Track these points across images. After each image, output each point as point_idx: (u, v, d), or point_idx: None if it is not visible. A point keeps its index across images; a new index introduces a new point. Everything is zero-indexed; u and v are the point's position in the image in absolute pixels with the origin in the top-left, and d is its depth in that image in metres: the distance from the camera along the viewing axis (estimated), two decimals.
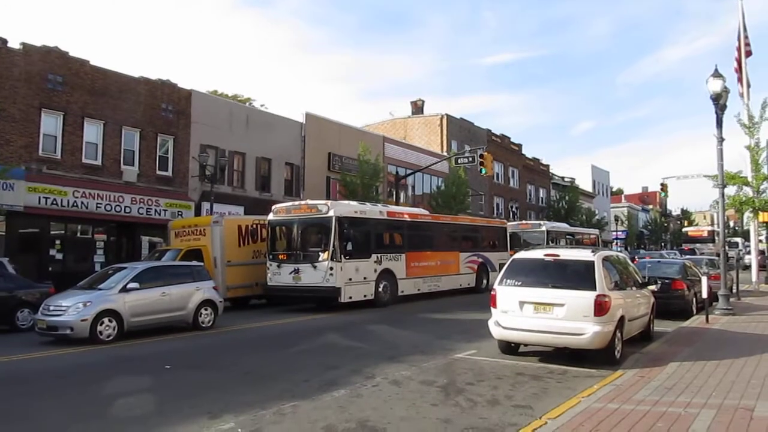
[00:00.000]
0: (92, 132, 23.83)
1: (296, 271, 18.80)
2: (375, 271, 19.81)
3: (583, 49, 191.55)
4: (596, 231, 43.75)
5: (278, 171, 31.93)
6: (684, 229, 71.12)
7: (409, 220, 22.60)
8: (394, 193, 34.87)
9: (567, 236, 36.29)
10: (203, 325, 14.95)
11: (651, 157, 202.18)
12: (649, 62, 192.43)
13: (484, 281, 25.77)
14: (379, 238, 20.76)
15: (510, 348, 10.91)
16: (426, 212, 25.69)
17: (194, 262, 16.92)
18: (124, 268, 14.80)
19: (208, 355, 11.94)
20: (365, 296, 19.35)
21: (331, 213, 18.72)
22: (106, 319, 12.98)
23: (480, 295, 23.60)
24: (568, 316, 9.67)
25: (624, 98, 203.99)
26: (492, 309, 10.58)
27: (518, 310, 10.14)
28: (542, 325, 9.86)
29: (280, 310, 19.27)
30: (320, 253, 18.73)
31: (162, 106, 26.39)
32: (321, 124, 34.79)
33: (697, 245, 52.55)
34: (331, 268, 18.36)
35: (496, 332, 10.49)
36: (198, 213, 26.29)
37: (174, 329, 14.52)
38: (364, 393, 8.27)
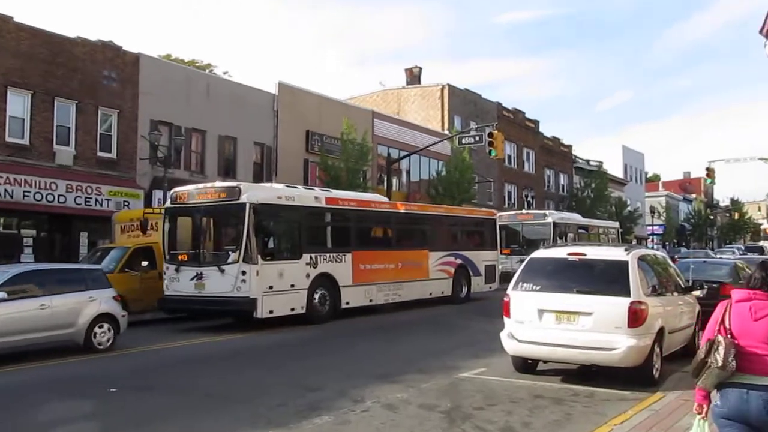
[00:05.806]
0: (17, 104, 23.62)
1: (199, 276, 17.19)
2: (308, 276, 18.26)
3: (616, 5, 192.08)
4: (616, 224, 43.07)
5: (245, 152, 31.88)
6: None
7: (357, 209, 21.12)
8: (386, 179, 34.84)
9: (580, 230, 35.82)
10: (99, 346, 13.68)
11: (694, 136, 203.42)
12: (695, 22, 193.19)
13: (464, 288, 24.56)
14: (314, 232, 19.65)
15: (526, 365, 10.94)
16: (384, 199, 24.78)
17: (87, 265, 16.58)
18: None
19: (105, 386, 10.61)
20: (293, 309, 17.77)
21: (243, 199, 16.95)
22: None
23: (457, 307, 22.63)
24: (597, 327, 9.70)
25: (663, 66, 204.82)
26: (505, 319, 10.63)
27: (537, 320, 10.17)
28: (565, 338, 9.89)
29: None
30: (230, 253, 17.28)
31: (104, 74, 26.19)
32: (297, 97, 34.75)
33: None
34: (244, 273, 16.66)
35: (510, 346, 10.51)
36: (149, 203, 26.17)
37: (62, 351, 13.26)
38: (353, 419, 8.29)
